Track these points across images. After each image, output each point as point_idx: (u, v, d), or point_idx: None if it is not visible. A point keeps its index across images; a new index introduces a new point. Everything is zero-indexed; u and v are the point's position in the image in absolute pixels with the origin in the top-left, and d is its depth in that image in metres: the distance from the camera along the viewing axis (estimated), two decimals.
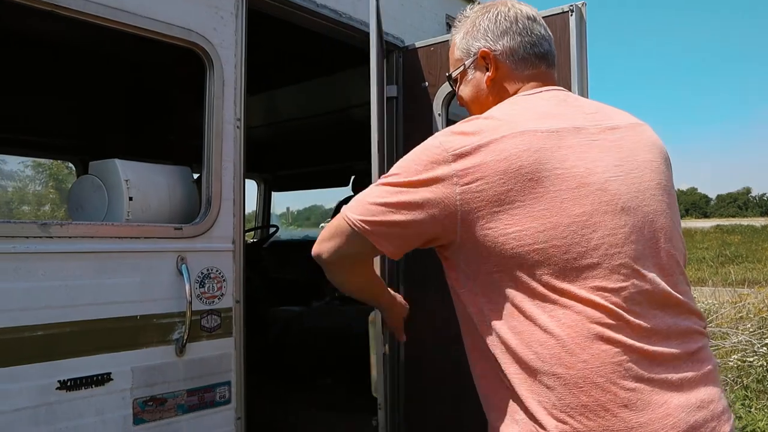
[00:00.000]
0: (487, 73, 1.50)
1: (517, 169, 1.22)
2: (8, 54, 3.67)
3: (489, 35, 1.50)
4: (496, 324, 1.30)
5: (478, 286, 1.33)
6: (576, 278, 1.23)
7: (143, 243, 2.14)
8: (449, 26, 3.42)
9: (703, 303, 6.70)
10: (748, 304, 6.83)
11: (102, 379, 2.03)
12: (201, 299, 2.29)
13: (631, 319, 1.23)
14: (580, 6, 2.58)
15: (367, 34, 2.92)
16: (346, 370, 3.70)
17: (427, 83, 3.19)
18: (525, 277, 1.25)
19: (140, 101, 4.42)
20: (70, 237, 1.98)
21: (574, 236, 1.23)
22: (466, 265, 1.34)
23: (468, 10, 1.59)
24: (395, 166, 1.35)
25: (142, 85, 4.29)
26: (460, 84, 1.59)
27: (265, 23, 2.78)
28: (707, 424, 1.23)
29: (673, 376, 1.24)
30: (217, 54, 2.37)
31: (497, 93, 1.50)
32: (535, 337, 1.24)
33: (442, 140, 1.31)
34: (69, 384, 1.96)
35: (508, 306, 1.28)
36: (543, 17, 1.57)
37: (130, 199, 2.19)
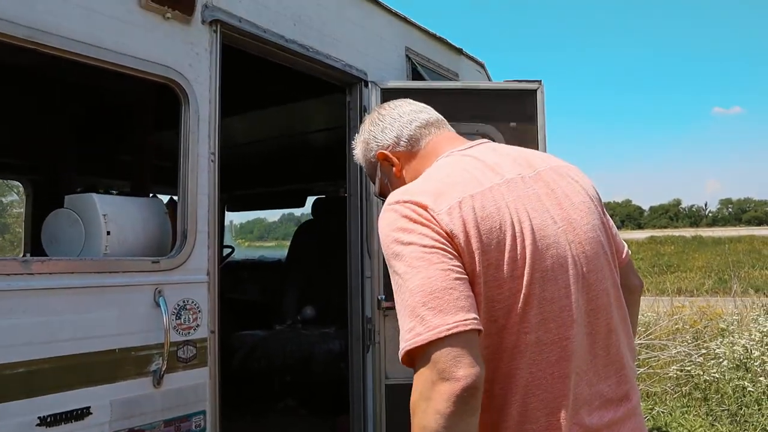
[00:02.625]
0: (393, 169, 1.62)
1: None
2: None
3: (375, 141, 1.64)
4: None
5: None
6: None
7: (122, 277, 2.18)
8: (409, 59, 3.56)
9: (642, 315, 7.04)
10: (684, 316, 7.22)
11: (81, 414, 2.05)
12: (177, 330, 2.33)
13: None
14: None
15: (331, 66, 3.04)
16: (309, 393, 3.76)
17: None
18: None
19: (100, 125, 4.39)
20: (50, 273, 1.99)
21: None
22: None
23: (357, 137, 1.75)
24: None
25: (103, 109, 4.27)
26: (385, 190, 1.65)
27: (231, 57, 2.86)
28: None
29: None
30: (192, 89, 2.43)
31: (412, 175, 1.56)
32: None
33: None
34: (49, 420, 1.97)
35: None
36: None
37: (108, 233, 2.22)
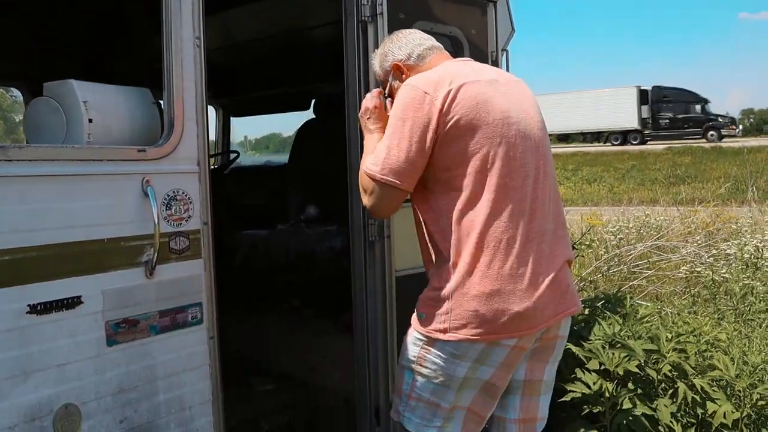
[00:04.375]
0: (402, 76, 2.25)
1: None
2: None
3: (392, 54, 2.29)
4: None
5: None
6: None
7: (106, 165, 2.11)
8: None
9: (654, 219, 6.98)
10: (696, 219, 7.13)
11: (72, 302, 2.03)
12: (168, 221, 2.28)
13: None
14: None
15: None
16: (312, 292, 3.76)
17: (403, 15, 3.14)
18: None
19: (95, 22, 4.22)
20: (30, 160, 1.93)
21: None
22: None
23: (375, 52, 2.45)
24: None
25: (95, 6, 4.08)
26: (393, 92, 2.25)
27: None
28: None
29: None
30: None
31: None
32: None
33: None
34: (39, 308, 1.96)
35: None
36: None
37: (90, 121, 2.13)
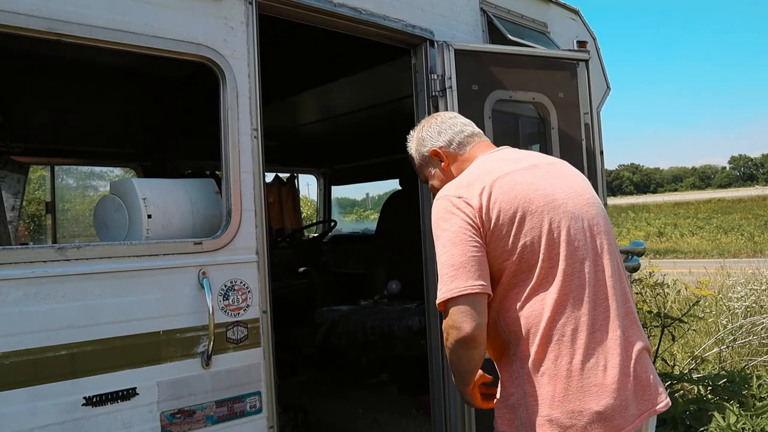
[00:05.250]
0: (441, 164, 2.15)
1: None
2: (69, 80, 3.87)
3: (431, 140, 2.17)
4: None
5: None
6: None
7: (162, 260, 2.18)
8: (483, 12, 3.27)
9: None
10: None
11: (127, 394, 2.09)
12: (225, 311, 2.31)
13: None
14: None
15: (389, 28, 2.85)
16: (396, 370, 3.67)
17: (477, 86, 3.09)
18: None
19: (186, 110, 4.55)
20: (87, 258, 2.03)
21: None
22: None
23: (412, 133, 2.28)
24: None
25: (183, 96, 4.41)
26: (430, 180, 2.22)
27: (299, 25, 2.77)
28: None
29: None
30: (229, 65, 2.37)
31: (457, 172, 2.09)
32: None
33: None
34: (95, 400, 2.02)
35: None
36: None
37: (149, 216, 2.23)
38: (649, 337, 4.40)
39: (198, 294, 2.24)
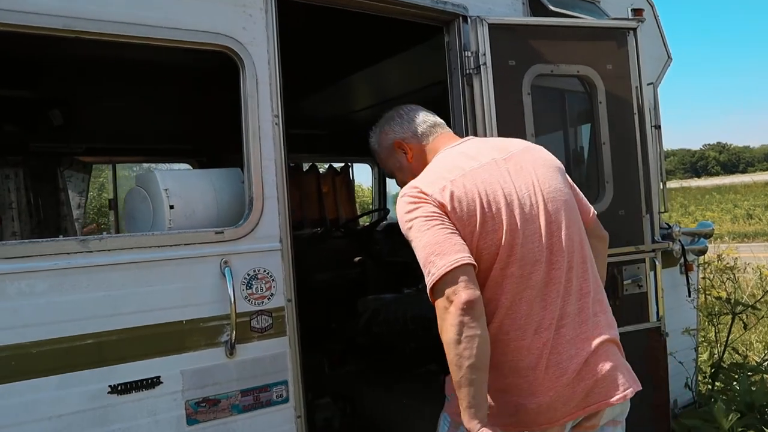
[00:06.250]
0: (405, 155, 2.14)
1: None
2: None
3: (393, 132, 2.15)
4: None
5: None
6: None
7: (184, 250, 2.19)
8: None
9: None
10: None
11: (152, 383, 2.12)
12: (249, 300, 2.30)
13: None
14: None
15: (419, 6, 2.76)
16: (438, 360, 3.58)
17: (514, 61, 2.95)
18: None
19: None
20: (109, 250, 2.07)
21: None
22: None
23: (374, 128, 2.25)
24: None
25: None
26: (395, 173, 2.20)
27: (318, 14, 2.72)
28: None
29: None
30: (248, 52, 2.35)
31: (421, 163, 2.08)
32: None
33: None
34: (120, 388, 2.07)
35: None
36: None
37: (171, 207, 2.24)
38: (717, 324, 4.11)
39: (220, 283, 2.24)
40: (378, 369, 3.86)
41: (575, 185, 2.09)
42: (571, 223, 1.93)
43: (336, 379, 4.00)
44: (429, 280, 1.75)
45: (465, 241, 1.79)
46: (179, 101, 4.46)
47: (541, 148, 2.10)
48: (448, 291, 1.70)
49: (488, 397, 1.78)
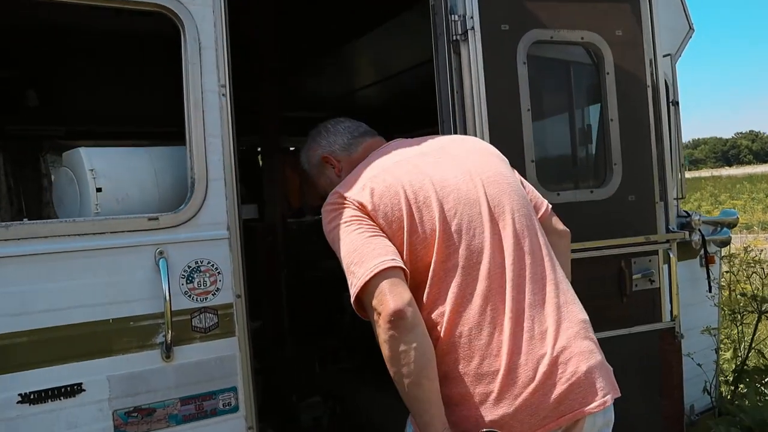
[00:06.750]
0: (334, 169, 1.99)
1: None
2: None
3: (320, 147, 2.02)
4: None
5: None
6: None
7: (109, 239, 1.91)
8: None
9: None
10: None
11: (71, 390, 1.85)
12: (190, 296, 2.02)
13: None
14: None
15: None
16: None
17: (507, 26, 2.61)
18: None
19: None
20: (18, 239, 1.80)
21: None
22: None
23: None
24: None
25: None
26: (324, 186, 2.01)
27: None
28: None
29: None
30: (189, 13, 2.05)
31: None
32: None
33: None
34: (32, 397, 1.80)
35: None
36: None
37: (99, 190, 1.96)
38: (741, 323, 3.73)
39: (155, 277, 1.96)
40: (370, 367, 3.61)
41: (525, 179, 1.96)
42: (520, 206, 1.76)
43: (327, 378, 3.75)
44: (352, 293, 1.57)
45: (394, 239, 1.63)
46: (162, 77, 4.18)
47: (478, 139, 2.01)
48: (374, 303, 1.52)
49: (444, 412, 1.54)
